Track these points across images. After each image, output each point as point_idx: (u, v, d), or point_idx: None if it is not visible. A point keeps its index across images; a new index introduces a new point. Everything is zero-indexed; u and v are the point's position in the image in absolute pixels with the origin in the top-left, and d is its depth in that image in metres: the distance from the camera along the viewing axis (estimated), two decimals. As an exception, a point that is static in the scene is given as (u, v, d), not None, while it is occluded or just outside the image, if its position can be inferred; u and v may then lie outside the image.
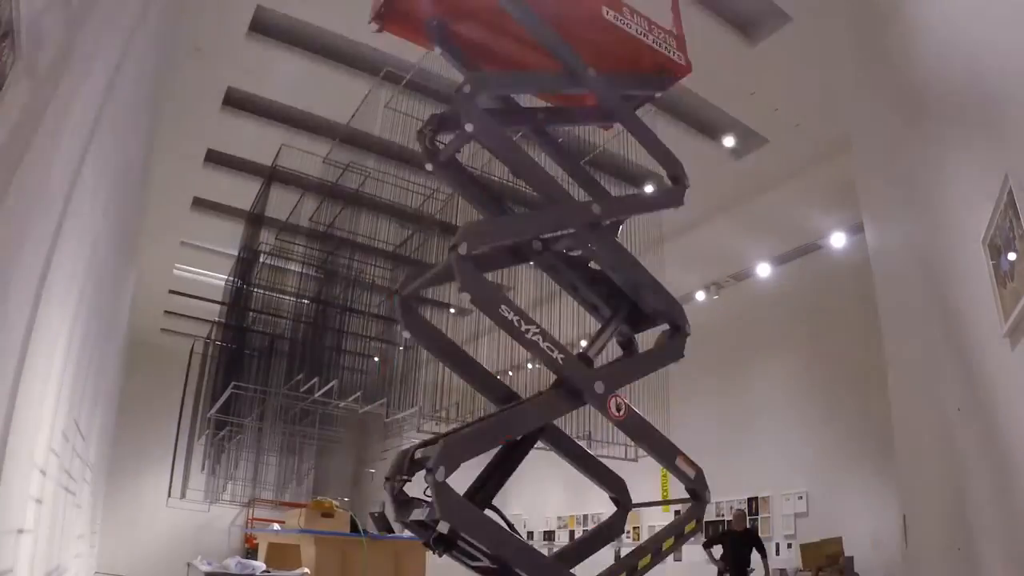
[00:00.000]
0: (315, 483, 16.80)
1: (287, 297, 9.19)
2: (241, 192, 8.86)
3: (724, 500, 10.90)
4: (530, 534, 15.59)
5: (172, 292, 13.19)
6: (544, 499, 15.42)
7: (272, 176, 7.53)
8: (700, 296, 10.93)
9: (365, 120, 6.44)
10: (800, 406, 10.23)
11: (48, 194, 2.61)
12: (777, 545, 10.04)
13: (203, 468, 11.20)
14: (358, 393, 6.67)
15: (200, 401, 11.04)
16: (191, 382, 11.78)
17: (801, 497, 9.81)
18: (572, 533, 14.19)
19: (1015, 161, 1.89)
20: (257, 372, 8.39)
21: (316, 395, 6.48)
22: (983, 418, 2.64)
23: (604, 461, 8.02)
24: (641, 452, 7.40)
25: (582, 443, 7.23)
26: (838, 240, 8.97)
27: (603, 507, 11.61)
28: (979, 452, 2.75)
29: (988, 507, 2.67)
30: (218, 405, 7.51)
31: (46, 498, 4.31)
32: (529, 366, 10.90)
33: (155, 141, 7.89)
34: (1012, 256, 1.99)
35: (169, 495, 11.42)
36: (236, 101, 7.67)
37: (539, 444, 7.61)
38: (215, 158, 8.82)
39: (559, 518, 14.81)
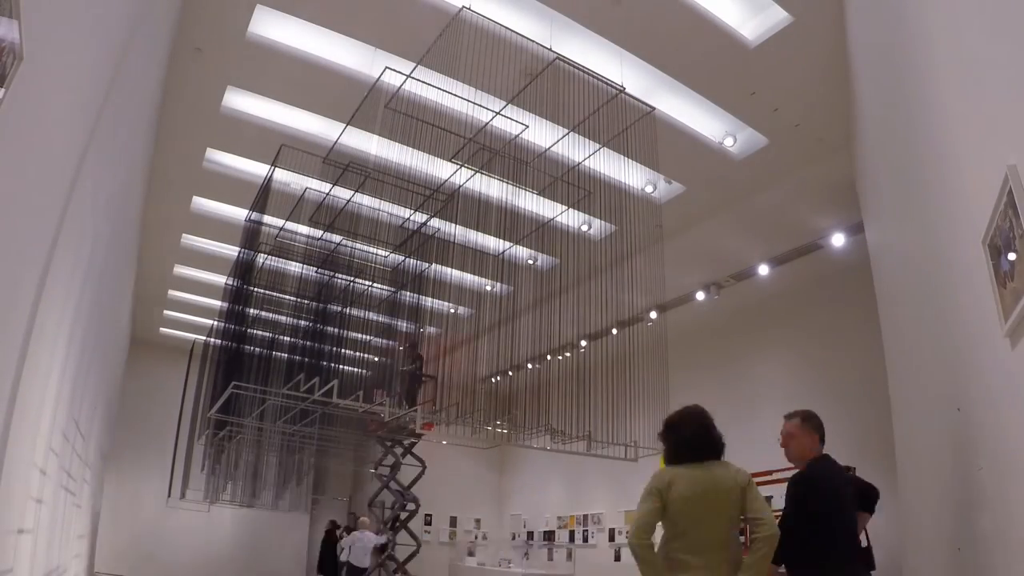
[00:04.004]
0: (315, 483, 16.83)
1: (287, 297, 9.19)
2: (241, 192, 8.86)
3: None
4: (530, 534, 15.60)
5: (172, 292, 13.20)
6: (544, 499, 15.44)
7: (272, 176, 7.52)
8: (700, 296, 10.94)
9: (365, 120, 6.43)
10: (800, 406, 10.22)
11: (48, 194, 2.61)
12: None
13: (203, 468, 11.20)
14: (359, 392, 6.66)
15: (200, 401, 11.05)
16: (191, 382, 11.78)
17: None
18: (572, 533, 14.19)
19: (1015, 160, 1.89)
20: (257, 372, 8.39)
21: (316, 395, 6.48)
22: (983, 418, 2.64)
23: (604, 461, 7.99)
24: (641, 452, 7.41)
25: (582, 444, 7.23)
26: (838, 240, 8.96)
27: (603, 507, 11.73)
28: (979, 452, 2.75)
29: (988, 507, 2.67)
30: (218, 405, 7.51)
31: (46, 498, 4.30)
32: (529, 366, 10.90)
33: (155, 141, 7.89)
34: (1012, 256, 1.98)
35: (169, 495, 11.43)
36: (236, 101, 7.67)
37: (539, 445, 7.56)
38: (215, 158, 8.82)
39: (559, 518, 14.81)
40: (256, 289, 8.54)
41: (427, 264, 7.80)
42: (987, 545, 2.73)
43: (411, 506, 10.67)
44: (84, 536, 8.79)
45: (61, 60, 2.31)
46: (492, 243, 8.36)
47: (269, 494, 11.89)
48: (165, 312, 14.30)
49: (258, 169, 8.48)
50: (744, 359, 11.40)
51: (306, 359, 8.46)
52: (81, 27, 2.55)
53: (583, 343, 10.33)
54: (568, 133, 6.78)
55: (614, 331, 9.42)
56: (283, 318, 9.53)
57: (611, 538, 13.19)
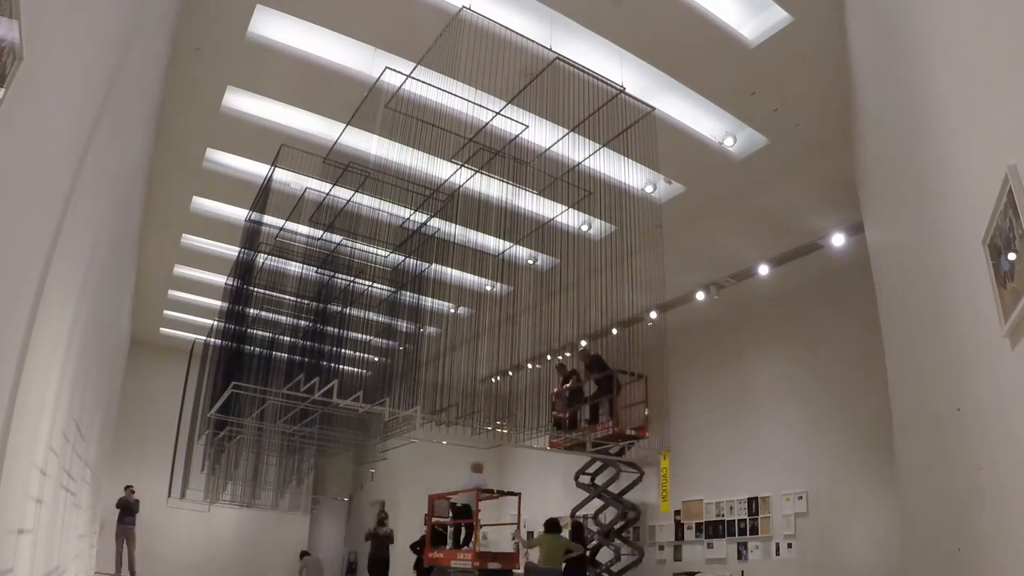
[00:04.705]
0: (315, 483, 16.83)
1: (287, 297, 9.19)
2: (241, 192, 8.87)
3: (724, 500, 10.88)
4: (530, 534, 15.56)
5: (172, 292, 13.19)
6: (544, 499, 15.38)
7: (272, 176, 7.52)
8: (700, 296, 10.91)
9: (365, 120, 6.43)
10: (800, 406, 10.20)
11: (48, 194, 2.61)
12: (777, 545, 9.96)
13: (203, 468, 11.20)
14: (359, 393, 6.65)
15: (200, 401, 11.05)
16: (191, 382, 11.78)
17: (801, 497, 9.79)
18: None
19: (1015, 160, 1.89)
20: (257, 372, 8.39)
21: (316, 395, 6.48)
22: (983, 418, 2.64)
23: (603, 460, 7.95)
24: (641, 454, 7.41)
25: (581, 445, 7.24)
26: (838, 240, 8.93)
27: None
28: (979, 452, 2.75)
29: (988, 507, 2.67)
30: (218, 405, 7.51)
31: (46, 498, 4.30)
32: (529, 366, 10.91)
33: (155, 141, 7.89)
34: (1012, 256, 1.99)
35: (169, 495, 11.41)
36: (236, 101, 7.67)
37: (538, 445, 7.55)
38: (215, 158, 8.81)
39: (559, 518, 14.76)
40: (256, 289, 8.53)
41: (427, 264, 7.80)
42: (987, 545, 2.73)
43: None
44: (84, 536, 8.78)
45: (61, 60, 2.31)
46: (492, 243, 8.36)
47: (269, 494, 11.89)
48: (165, 312, 14.28)
49: (258, 169, 8.48)
50: (743, 359, 11.36)
51: (306, 359, 8.46)
52: (81, 27, 2.55)
53: (583, 343, 10.32)
54: (568, 133, 6.78)
55: (614, 331, 9.41)
56: (283, 318, 9.53)
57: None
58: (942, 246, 3.06)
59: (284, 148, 7.34)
